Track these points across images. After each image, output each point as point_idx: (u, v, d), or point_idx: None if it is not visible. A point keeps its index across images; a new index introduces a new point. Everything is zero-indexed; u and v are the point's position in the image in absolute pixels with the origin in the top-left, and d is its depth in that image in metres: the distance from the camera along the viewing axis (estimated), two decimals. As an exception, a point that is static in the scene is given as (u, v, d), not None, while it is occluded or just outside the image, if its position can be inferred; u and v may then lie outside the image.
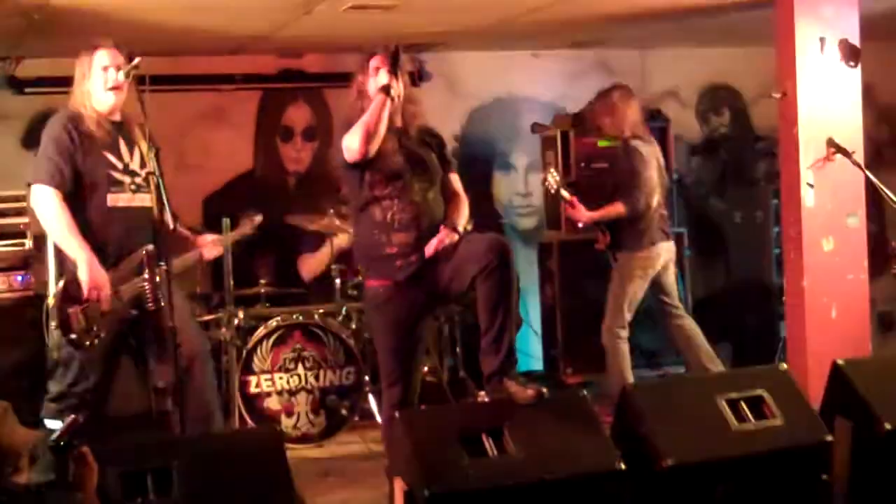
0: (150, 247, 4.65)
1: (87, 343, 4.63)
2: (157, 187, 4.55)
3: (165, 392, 4.84)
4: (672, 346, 6.56)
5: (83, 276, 4.54)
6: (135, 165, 4.75)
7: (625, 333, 6.14)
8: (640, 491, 3.92)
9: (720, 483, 3.99)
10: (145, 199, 4.76)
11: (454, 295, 4.73)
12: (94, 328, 4.63)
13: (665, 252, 6.19)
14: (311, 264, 7.09)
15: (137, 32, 5.83)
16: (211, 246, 5.12)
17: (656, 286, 6.21)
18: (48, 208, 4.61)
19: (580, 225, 6.40)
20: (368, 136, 4.41)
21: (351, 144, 4.45)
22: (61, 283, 4.66)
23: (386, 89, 4.45)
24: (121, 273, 4.68)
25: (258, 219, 5.72)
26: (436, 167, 4.69)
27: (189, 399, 4.61)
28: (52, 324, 4.67)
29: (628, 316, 6.14)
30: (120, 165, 4.71)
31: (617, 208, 6.10)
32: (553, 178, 6.17)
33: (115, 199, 4.70)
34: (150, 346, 4.82)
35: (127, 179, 4.72)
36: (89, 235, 4.65)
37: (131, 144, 4.77)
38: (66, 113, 4.74)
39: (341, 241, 6.62)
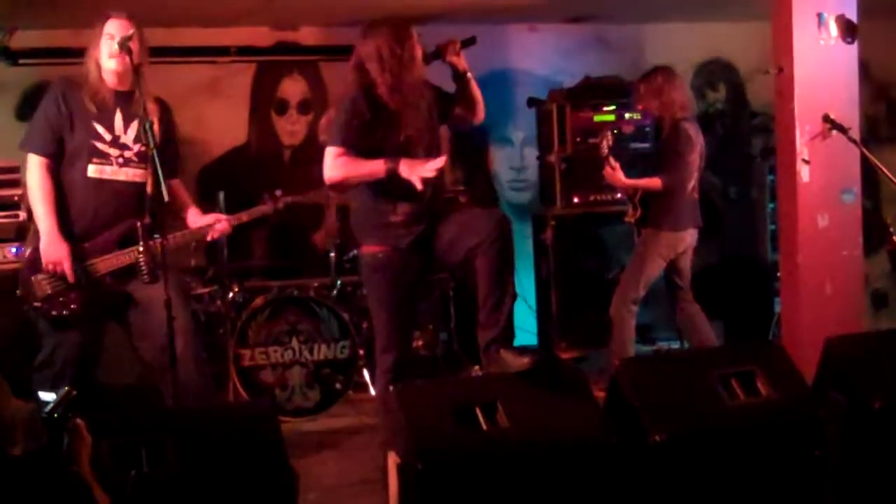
0: (146, 220, 4.67)
1: (55, 312, 4.67)
2: (152, 160, 4.53)
3: (153, 368, 4.83)
4: (673, 324, 6.58)
5: (42, 246, 4.65)
6: (127, 139, 4.73)
7: (635, 308, 6.16)
8: (633, 465, 3.93)
9: (712, 458, 4.01)
10: (134, 175, 4.74)
11: (446, 266, 4.83)
12: (62, 298, 4.66)
13: (690, 237, 6.19)
14: (320, 235, 7.12)
15: (132, 3, 5.79)
16: (218, 226, 4.98)
17: (671, 267, 6.21)
18: (31, 175, 4.73)
19: (618, 194, 6.44)
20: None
21: (335, 177, 4.55)
22: (29, 251, 4.75)
23: None
24: (98, 245, 4.70)
25: (289, 200, 5.45)
26: (435, 138, 4.75)
27: (178, 374, 4.64)
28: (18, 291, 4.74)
29: (641, 291, 6.16)
30: (108, 137, 4.70)
31: (654, 182, 6.11)
32: (607, 140, 6.17)
33: (98, 171, 4.70)
34: (136, 321, 4.82)
35: (114, 152, 4.71)
36: (67, 204, 4.72)
37: (130, 118, 4.74)
38: (64, 80, 4.78)
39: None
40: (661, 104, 6.20)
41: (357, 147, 4.54)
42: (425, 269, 4.77)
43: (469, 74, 4.79)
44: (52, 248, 4.65)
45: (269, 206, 5.33)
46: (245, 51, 7.51)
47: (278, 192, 5.40)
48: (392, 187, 4.55)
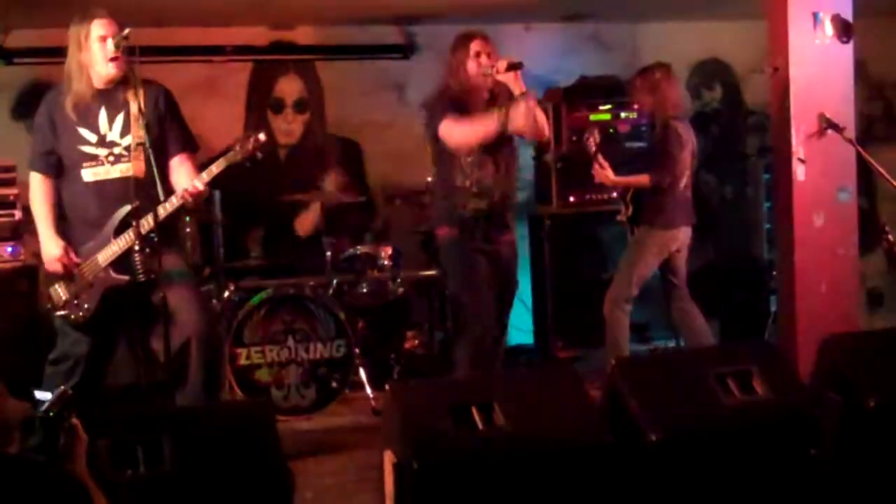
0: (128, 207, 4.63)
1: (73, 316, 4.75)
2: (147, 160, 4.52)
3: (158, 364, 4.84)
4: (669, 324, 6.58)
5: (43, 251, 4.79)
6: (113, 136, 4.73)
7: (628, 307, 6.14)
8: (629, 465, 3.93)
9: (708, 457, 4.01)
10: (124, 170, 4.72)
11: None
12: (76, 301, 4.73)
13: (683, 235, 6.18)
14: (304, 222, 7.12)
15: (128, 2, 5.78)
16: (190, 191, 4.67)
17: (666, 266, 6.20)
18: (31, 191, 4.86)
19: (614, 193, 6.46)
20: (479, 144, 5.24)
21: (460, 142, 5.23)
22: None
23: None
24: (98, 241, 4.72)
25: (260, 138, 4.76)
26: (509, 142, 5.37)
27: (184, 377, 4.66)
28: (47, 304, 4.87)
29: (635, 290, 6.14)
30: (94, 139, 4.71)
31: (642, 179, 6.10)
32: (593, 138, 6.18)
33: (92, 174, 4.73)
34: (142, 317, 4.83)
35: (103, 152, 4.72)
36: (74, 211, 4.79)
37: (116, 111, 4.72)
38: (48, 96, 4.83)
39: (329, 197, 6.71)
40: (654, 101, 6.19)
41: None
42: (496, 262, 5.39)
43: (519, 97, 5.16)
44: (48, 248, 4.76)
45: (239, 151, 4.75)
46: (241, 50, 7.51)
47: (251, 135, 4.81)
48: (466, 185, 5.27)
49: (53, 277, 4.77)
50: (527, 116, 5.20)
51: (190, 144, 4.95)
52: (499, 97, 5.31)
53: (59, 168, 4.80)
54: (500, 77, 5.18)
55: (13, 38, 6.99)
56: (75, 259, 4.74)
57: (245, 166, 4.72)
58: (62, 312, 4.77)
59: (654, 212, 6.12)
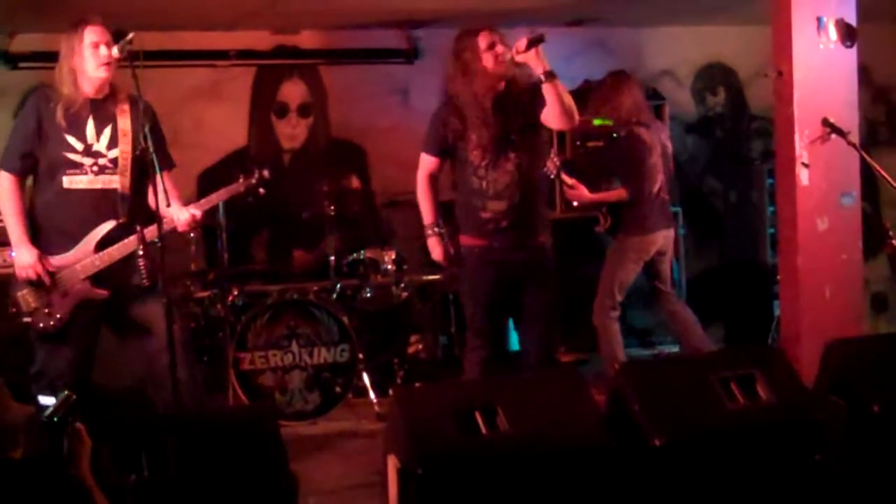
0: (113, 222, 4.65)
1: (42, 325, 4.65)
2: (150, 164, 4.51)
3: (146, 379, 4.82)
4: (666, 328, 6.58)
5: (15, 257, 4.68)
6: (100, 147, 4.68)
7: (615, 313, 6.16)
8: (632, 469, 3.93)
9: (712, 462, 4.01)
10: (110, 181, 4.69)
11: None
12: (47, 309, 4.64)
13: (662, 239, 6.18)
14: (305, 260, 7.08)
15: (132, 7, 5.80)
16: (187, 219, 4.71)
17: (651, 272, 6.22)
18: (1, 190, 4.70)
19: (575, 204, 6.42)
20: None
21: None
22: (14, 268, 4.74)
23: None
24: (78, 252, 4.67)
25: (265, 174, 4.92)
26: (529, 138, 4.98)
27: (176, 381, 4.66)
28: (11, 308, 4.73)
29: (619, 297, 6.16)
30: (80, 147, 4.66)
31: (619, 193, 6.14)
32: (552, 162, 6.11)
33: (73, 182, 4.66)
34: (131, 334, 4.80)
35: (87, 161, 4.66)
36: (48, 217, 4.71)
37: (104, 123, 4.69)
38: (38, 96, 4.76)
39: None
40: (608, 110, 6.23)
41: (452, 153, 5.02)
42: (519, 276, 5.09)
43: (543, 77, 4.72)
44: (20, 255, 4.66)
45: (243, 184, 4.90)
46: (245, 54, 7.51)
47: (256, 170, 4.97)
48: (483, 187, 4.94)
49: (23, 283, 4.65)
50: (553, 100, 4.77)
51: (167, 162, 4.85)
52: (513, 86, 4.93)
53: (30, 172, 4.72)
54: (521, 58, 4.70)
55: (18, 42, 7.00)
56: (50, 267, 4.64)
57: (247, 200, 4.76)
58: (27, 319, 4.65)
59: (628, 219, 6.15)
